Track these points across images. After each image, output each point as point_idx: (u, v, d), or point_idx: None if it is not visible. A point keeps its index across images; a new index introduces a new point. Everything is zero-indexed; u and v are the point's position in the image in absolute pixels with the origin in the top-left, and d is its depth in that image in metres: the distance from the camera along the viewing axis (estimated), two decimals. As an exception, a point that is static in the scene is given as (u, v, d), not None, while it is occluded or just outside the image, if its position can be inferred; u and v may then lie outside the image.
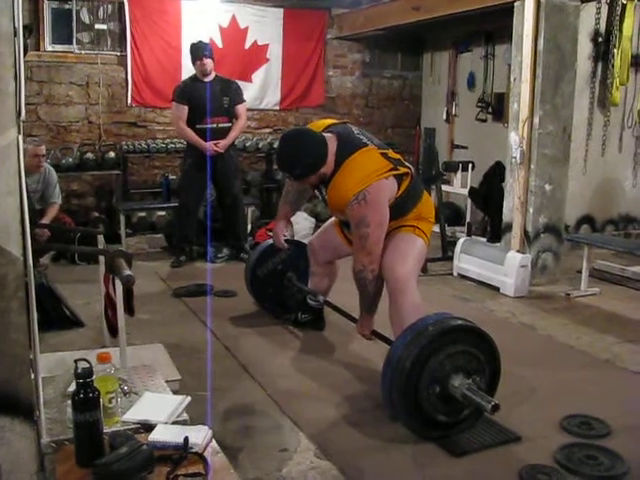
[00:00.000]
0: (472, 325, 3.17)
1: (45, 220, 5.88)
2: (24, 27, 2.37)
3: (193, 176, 6.46)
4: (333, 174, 3.57)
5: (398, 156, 3.73)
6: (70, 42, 7.70)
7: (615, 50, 6.87)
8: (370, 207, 3.43)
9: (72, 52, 7.72)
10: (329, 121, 3.85)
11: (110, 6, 7.83)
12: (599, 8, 6.84)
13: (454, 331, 3.11)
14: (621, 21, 6.76)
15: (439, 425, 3.09)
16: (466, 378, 3.04)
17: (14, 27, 1.98)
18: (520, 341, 4.54)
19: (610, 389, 3.78)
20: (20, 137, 2.05)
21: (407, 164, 3.73)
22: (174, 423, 2.39)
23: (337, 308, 4.27)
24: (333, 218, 4.20)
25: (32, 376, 2.20)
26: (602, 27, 6.93)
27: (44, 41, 7.57)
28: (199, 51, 6.29)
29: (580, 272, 5.74)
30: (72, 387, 2.32)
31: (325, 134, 3.63)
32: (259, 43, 8.51)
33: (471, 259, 6.10)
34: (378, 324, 3.77)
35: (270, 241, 5.05)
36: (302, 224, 7.51)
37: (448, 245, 6.61)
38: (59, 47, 7.69)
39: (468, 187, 7.39)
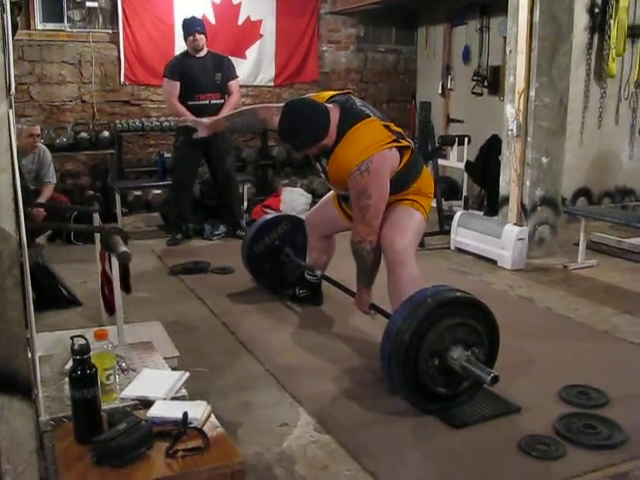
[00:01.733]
0: (470, 297, 3.16)
1: (40, 200, 5.85)
2: (13, 3, 2.34)
3: (187, 154, 6.42)
4: (335, 145, 3.55)
5: (400, 129, 3.70)
6: (61, 20, 7.61)
7: (611, 21, 6.82)
8: (372, 178, 3.41)
9: (63, 30, 7.63)
10: (332, 92, 3.82)
11: (101, -17, 7.74)
12: (595, -22, 6.78)
13: (452, 303, 3.10)
14: (618, -8, 6.70)
15: (439, 397, 3.09)
16: (465, 350, 3.04)
17: (1, 1, 1.95)
18: (518, 314, 4.54)
19: (608, 360, 3.79)
20: (11, 112, 2.02)
21: (408, 139, 3.71)
22: (173, 399, 2.39)
23: (335, 282, 4.26)
24: (331, 192, 4.17)
25: (29, 354, 2.19)
26: (598, -2, 6.87)
27: (35, 19, 7.48)
28: (191, 27, 6.23)
29: (577, 245, 5.73)
30: (69, 365, 2.31)
31: (328, 105, 3.60)
32: (252, 19, 8.43)
33: (468, 233, 6.09)
34: (377, 298, 3.76)
35: (267, 217, 5.05)
36: (298, 200, 7.50)
37: (445, 219, 6.59)
38: (50, 25, 7.59)
39: (464, 161, 7.37)
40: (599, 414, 3.07)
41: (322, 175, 3.84)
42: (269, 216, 5.15)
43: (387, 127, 3.58)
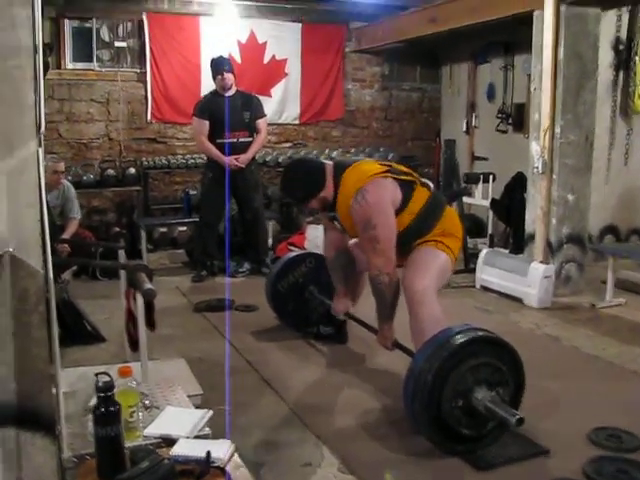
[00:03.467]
0: (494, 336, 3.12)
1: (65, 235, 5.92)
2: (45, 44, 2.39)
3: (214, 191, 6.46)
4: (336, 196, 3.64)
5: (406, 169, 3.75)
6: (90, 60, 7.80)
7: (637, 58, 6.81)
8: (372, 207, 3.43)
9: (92, 70, 7.82)
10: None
11: (129, 24, 7.92)
12: (620, 15, 6.80)
13: (476, 343, 3.05)
14: (642, 28, 6.71)
15: (463, 438, 3.04)
16: (489, 391, 2.99)
17: (34, 42, 1.98)
18: (545, 353, 4.47)
19: (638, 401, 3.70)
20: (40, 150, 2.05)
21: (420, 178, 3.75)
22: (196, 437, 2.37)
23: (358, 320, 4.23)
24: None
25: (53, 391, 2.19)
26: (623, 35, 6.87)
27: (65, 59, 7.67)
28: (220, 66, 6.31)
29: (605, 283, 5.66)
30: (93, 401, 2.31)
31: (324, 161, 3.78)
32: (277, 58, 8.55)
33: (494, 271, 6.04)
34: (400, 336, 3.72)
35: (291, 255, 5.04)
36: (321, 237, 7.48)
37: (470, 257, 6.56)
38: (80, 65, 7.79)
39: (489, 198, 7.34)
40: (631, 458, 2.99)
41: (341, 229, 3.92)
42: (293, 254, 5.15)
43: (383, 164, 3.70)
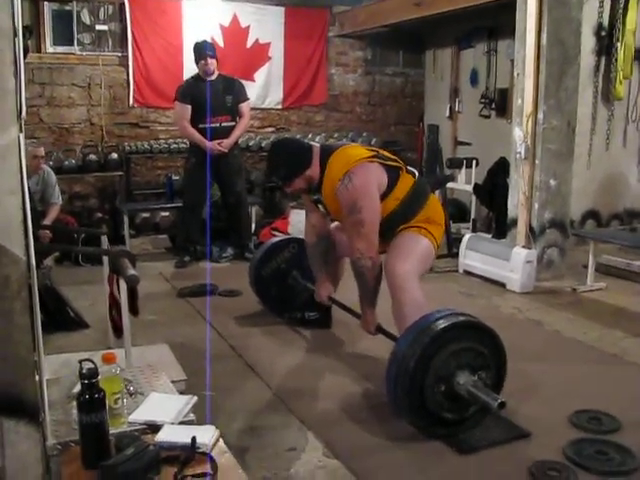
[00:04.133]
0: (475, 321, 3.14)
1: (46, 221, 5.88)
2: (24, 27, 2.36)
3: (196, 176, 6.43)
4: (322, 179, 3.65)
5: (392, 155, 3.78)
6: (71, 43, 7.70)
7: (618, 44, 6.83)
8: (358, 191, 3.45)
9: (73, 53, 7.72)
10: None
11: (111, 7, 7.82)
12: (602, 2, 6.80)
13: (457, 328, 3.06)
14: (624, 14, 6.72)
15: (446, 422, 3.06)
16: (471, 375, 3.01)
17: (14, 25, 1.96)
18: (527, 337, 4.51)
19: (619, 384, 3.75)
20: (21, 136, 2.03)
21: (406, 165, 3.77)
22: (181, 423, 2.37)
23: (342, 305, 4.24)
24: None
25: (37, 378, 2.18)
26: (605, 21, 6.88)
27: (45, 43, 7.56)
28: (203, 51, 6.27)
29: (586, 267, 5.71)
30: (77, 388, 2.30)
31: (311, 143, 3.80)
32: (261, 42, 8.50)
33: (476, 255, 6.07)
34: (384, 321, 3.74)
35: (274, 240, 5.04)
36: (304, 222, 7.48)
37: (453, 242, 6.58)
38: (60, 49, 7.68)
39: (472, 183, 7.36)
40: (611, 440, 3.03)
41: (325, 213, 3.93)
42: (276, 239, 5.15)
43: (370, 149, 3.73)
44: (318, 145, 3.82)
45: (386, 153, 3.78)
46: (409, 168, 3.78)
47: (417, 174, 3.78)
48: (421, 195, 3.73)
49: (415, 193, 3.68)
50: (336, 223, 4.17)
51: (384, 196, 3.57)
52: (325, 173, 3.64)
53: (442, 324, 3.03)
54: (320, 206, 3.91)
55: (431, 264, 3.97)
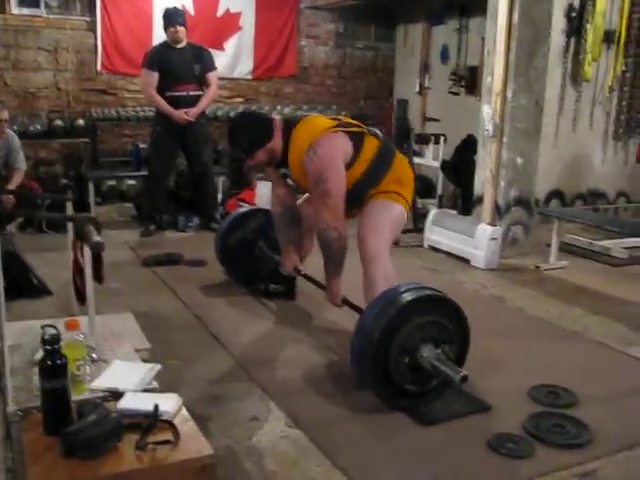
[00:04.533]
0: (441, 295, 3.17)
1: (10, 186, 5.77)
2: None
3: (163, 144, 6.38)
4: (286, 152, 3.66)
5: (353, 121, 3.80)
6: (38, 6, 7.53)
7: (588, 25, 6.88)
8: (323, 161, 3.46)
9: (40, 16, 7.56)
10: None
11: (79, -31, 7.66)
12: (574, -18, 6.84)
13: (423, 301, 3.09)
14: (595, -4, 6.77)
15: (408, 394, 3.10)
16: (435, 348, 3.05)
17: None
18: (490, 313, 4.57)
19: (578, 360, 3.82)
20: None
21: (369, 128, 3.78)
22: (144, 391, 2.37)
23: (307, 276, 4.24)
24: None
25: (-2, 343, 2.17)
26: (576, 2, 6.91)
27: (10, 3, 7.39)
28: (173, 18, 6.19)
29: (549, 245, 5.78)
30: (39, 354, 2.29)
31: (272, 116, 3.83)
32: (232, 11, 8.41)
33: (442, 231, 6.12)
34: (349, 293, 3.76)
35: (241, 210, 5.03)
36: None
37: (419, 217, 6.62)
38: (26, 11, 7.51)
39: (440, 160, 7.39)
40: (568, 414, 3.09)
41: (294, 185, 3.92)
42: (243, 209, 5.14)
43: (334, 118, 3.74)
44: (279, 118, 3.82)
45: (348, 119, 3.81)
46: (371, 129, 3.77)
47: (380, 134, 3.78)
48: (387, 154, 3.74)
49: (382, 154, 3.68)
50: (305, 195, 4.16)
51: (351, 162, 3.58)
52: (290, 146, 3.65)
53: (408, 297, 3.05)
54: (289, 180, 3.90)
55: (402, 227, 3.97)
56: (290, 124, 3.71)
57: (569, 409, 3.16)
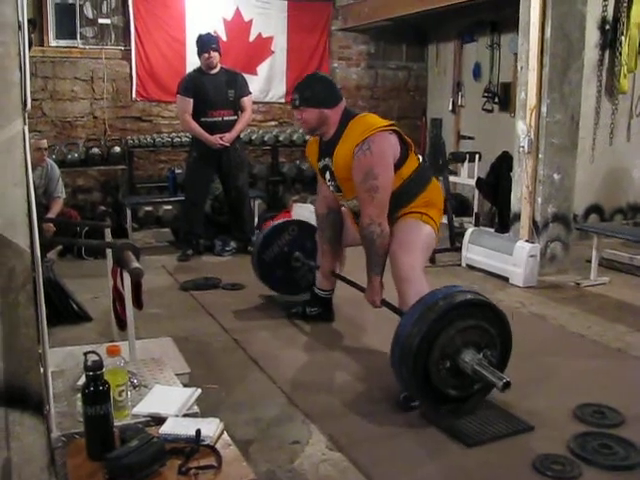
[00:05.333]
0: (483, 298, 3.11)
1: (50, 214, 5.87)
2: (28, 21, 2.35)
3: (199, 170, 6.43)
4: (337, 140, 3.67)
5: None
6: (74, 37, 7.71)
7: (623, 38, 6.83)
8: (376, 157, 3.47)
9: (76, 47, 7.72)
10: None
11: (114, 0, 7.82)
12: (606, -5, 6.80)
13: (464, 305, 3.03)
14: (629, 8, 6.73)
15: (450, 399, 3.04)
16: (477, 353, 2.98)
17: (18, 18, 1.96)
18: (531, 331, 4.50)
19: (623, 378, 3.75)
20: (26, 128, 2.03)
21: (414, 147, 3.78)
22: (185, 416, 2.37)
23: (344, 278, 4.20)
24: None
25: (41, 370, 2.19)
26: (610, 14, 6.87)
27: (48, 36, 7.58)
28: (206, 44, 6.24)
29: (589, 261, 5.70)
30: (82, 380, 2.31)
31: None
32: (263, 35, 8.49)
33: (479, 249, 6.06)
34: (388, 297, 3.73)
35: (274, 223, 5.04)
36: (309, 215, 7.43)
37: (456, 236, 6.58)
38: (63, 42, 7.70)
39: (475, 177, 7.36)
40: (615, 434, 3.02)
41: (331, 184, 3.89)
42: (275, 222, 5.13)
43: (388, 121, 3.72)
44: (344, 105, 3.81)
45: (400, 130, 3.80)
46: (416, 150, 3.80)
47: (421, 159, 3.80)
48: (423, 177, 3.76)
49: (418, 175, 3.70)
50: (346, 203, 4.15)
51: (395, 169, 3.59)
52: (343, 135, 3.65)
53: (449, 301, 2.99)
54: (327, 173, 3.87)
55: (433, 248, 3.95)
56: (349, 114, 3.73)
57: (616, 429, 3.09)
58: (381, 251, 3.58)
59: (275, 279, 4.92)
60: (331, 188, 3.93)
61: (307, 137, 4.18)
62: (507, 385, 2.87)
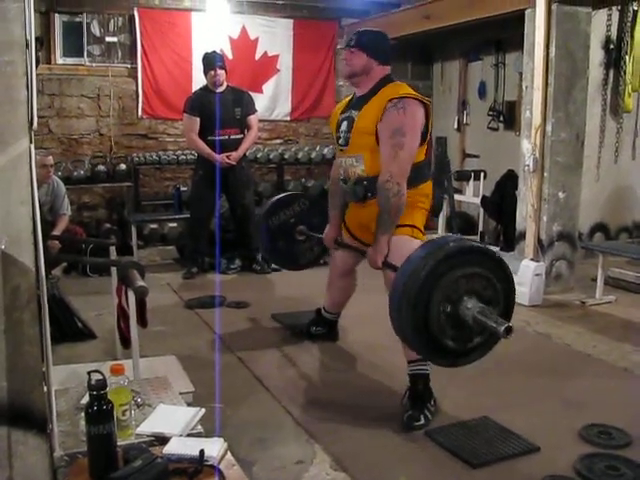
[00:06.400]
0: (493, 252, 2.97)
1: (55, 232, 5.87)
2: (35, 39, 2.37)
3: (204, 188, 6.44)
4: (371, 96, 3.64)
5: None
6: (81, 55, 7.76)
7: (627, 57, 6.84)
8: (408, 118, 3.45)
9: (83, 65, 7.77)
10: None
11: (120, 19, 7.88)
12: (610, 15, 6.82)
13: (475, 252, 2.87)
14: (632, 27, 6.74)
15: (447, 350, 2.83)
16: (479, 303, 2.79)
17: (26, 37, 1.97)
18: (536, 350, 4.49)
19: (629, 398, 3.72)
20: (32, 147, 2.03)
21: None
22: (189, 435, 2.36)
23: (347, 245, 4.11)
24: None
25: (45, 389, 2.18)
26: (613, 34, 6.90)
27: (55, 54, 7.63)
28: (212, 62, 6.26)
29: (595, 280, 5.69)
30: (85, 399, 2.30)
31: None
32: (269, 54, 8.53)
33: (484, 268, 6.03)
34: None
35: (285, 194, 4.99)
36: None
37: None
38: (70, 60, 7.75)
39: (480, 196, 7.35)
40: (622, 455, 3.00)
41: (342, 135, 3.80)
42: (287, 193, 5.07)
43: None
44: (389, 70, 3.78)
45: None
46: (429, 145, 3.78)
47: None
48: (424, 171, 3.71)
49: (421, 167, 3.65)
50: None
51: None
52: (378, 92, 3.63)
53: (460, 244, 2.88)
54: (344, 124, 3.78)
55: None
56: (391, 79, 3.72)
57: (623, 450, 3.07)
58: (394, 211, 3.48)
59: (276, 249, 4.77)
60: (340, 140, 3.83)
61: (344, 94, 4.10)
62: (509, 330, 2.65)
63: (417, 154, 3.58)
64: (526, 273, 5.59)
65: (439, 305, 2.74)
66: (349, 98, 3.94)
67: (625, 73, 6.89)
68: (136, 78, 7.95)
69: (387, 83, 3.67)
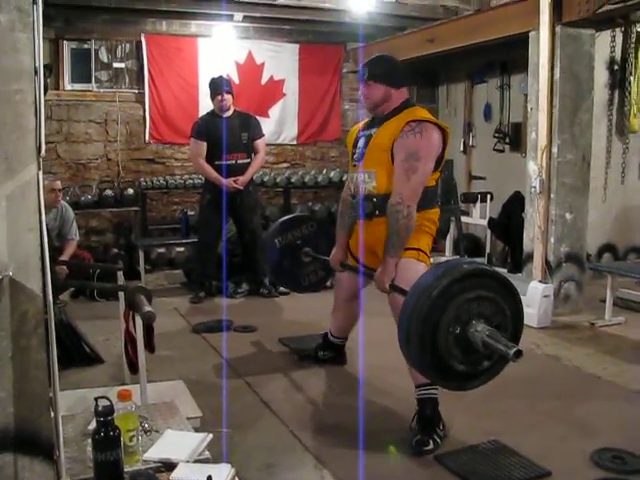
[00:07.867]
0: (506, 278, 2.94)
1: (63, 257, 5.88)
2: (44, 66, 2.39)
3: (212, 212, 6.44)
4: (391, 117, 3.66)
5: None
6: (89, 81, 7.84)
7: (631, 77, 6.86)
8: (424, 142, 3.47)
9: (91, 90, 7.85)
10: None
11: (128, 45, 7.96)
12: (614, 36, 6.84)
13: (487, 276, 2.86)
14: (636, 48, 6.78)
15: (454, 374, 2.80)
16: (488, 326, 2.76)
17: (35, 65, 1.99)
18: (545, 373, 4.45)
19: (641, 421, 3.68)
20: (40, 173, 2.05)
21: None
22: (196, 461, 2.35)
23: (352, 267, 4.09)
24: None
25: (52, 414, 2.17)
26: (618, 55, 6.92)
27: (63, 80, 7.71)
28: (219, 87, 6.29)
29: (604, 301, 5.66)
30: (92, 425, 2.29)
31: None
32: (275, 78, 8.59)
33: (492, 290, 6.01)
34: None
35: (294, 214, 4.98)
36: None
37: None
38: (78, 86, 7.83)
39: (487, 218, 7.35)
40: None
41: (357, 151, 3.83)
42: (295, 214, 5.05)
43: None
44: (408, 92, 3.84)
45: None
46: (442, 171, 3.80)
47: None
48: (432, 198, 3.72)
49: (430, 193, 3.65)
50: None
51: None
52: (398, 114, 3.64)
53: (474, 267, 2.87)
54: (361, 140, 3.82)
55: None
56: (410, 103, 3.76)
57: (636, 476, 3.02)
58: (403, 233, 3.47)
59: (281, 268, 4.75)
60: (355, 156, 3.86)
61: (363, 116, 4.11)
62: (519, 354, 2.64)
63: (430, 178, 3.59)
64: (534, 295, 5.56)
65: (449, 326, 2.73)
66: (369, 119, 3.94)
67: (630, 94, 6.91)
68: (143, 103, 8.01)
69: (407, 107, 3.70)
